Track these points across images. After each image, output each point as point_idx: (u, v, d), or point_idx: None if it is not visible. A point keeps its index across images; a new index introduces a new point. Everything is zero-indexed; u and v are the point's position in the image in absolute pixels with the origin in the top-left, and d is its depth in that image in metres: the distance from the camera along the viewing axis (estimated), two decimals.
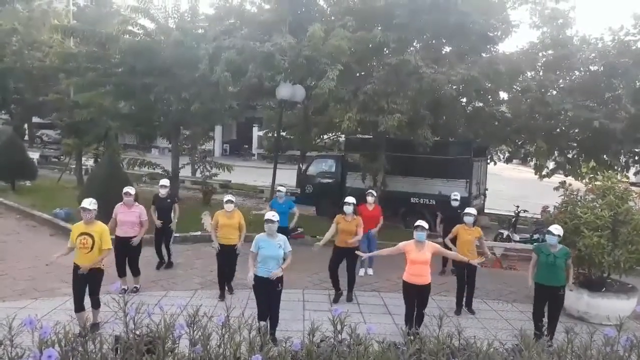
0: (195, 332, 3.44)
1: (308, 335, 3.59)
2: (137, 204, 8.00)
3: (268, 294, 6.18)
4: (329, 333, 3.63)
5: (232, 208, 7.94)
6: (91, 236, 6.11)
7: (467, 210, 8.11)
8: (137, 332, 3.41)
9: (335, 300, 8.06)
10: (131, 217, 7.86)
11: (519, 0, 13.13)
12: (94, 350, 3.28)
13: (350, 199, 8.28)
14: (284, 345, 3.43)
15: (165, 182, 9.52)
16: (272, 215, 6.25)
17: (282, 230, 7.33)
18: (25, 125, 28.05)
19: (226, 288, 8.09)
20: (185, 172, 17.46)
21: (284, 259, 6.20)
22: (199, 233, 11.56)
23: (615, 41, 12.24)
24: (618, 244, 7.64)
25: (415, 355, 3.55)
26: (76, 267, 6.15)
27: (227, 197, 8.12)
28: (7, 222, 12.74)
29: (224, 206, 7.97)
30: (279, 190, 10.03)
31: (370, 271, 9.82)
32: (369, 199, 9.51)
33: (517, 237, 12.02)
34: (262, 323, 4.09)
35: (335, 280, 8.19)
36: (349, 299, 8.17)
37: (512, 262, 10.96)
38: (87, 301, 6.24)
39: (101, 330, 3.26)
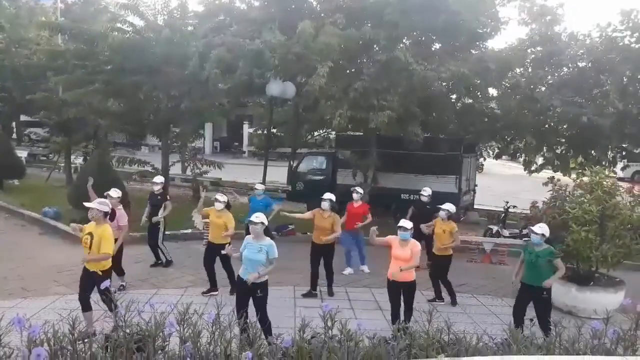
0: (185, 330, 3.44)
1: (299, 332, 3.60)
2: (119, 207, 7.67)
3: (250, 299, 5.84)
4: (319, 329, 3.64)
5: (221, 207, 7.87)
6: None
7: (444, 205, 8.27)
8: (127, 331, 3.41)
9: (306, 295, 8.07)
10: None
11: None
12: (83, 349, 3.27)
13: (327, 195, 8.35)
14: (274, 342, 3.44)
15: (158, 179, 9.47)
16: (254, 216, 5.96)
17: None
18: (13, 124, 27.70)
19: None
20: (175, 170, 17.37)
21: (269, 265, 5.82)
22: (189, 231, 11.51)
23: (603, 37, 12.36)
24: (606, 239, 7.74)
25: (405, 350, 3.57)
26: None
27: (217, 195, 8.08)
28: None
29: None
30: (255, 188, 10.00)
31: (365, 268, 9.75)
32: (354, 196, 9.63)
33: (506, 232, 12.10)
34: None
35: (314, 278, 8.20)
36: (330, 294, 8.25)
37: (502, 257, 11.04)
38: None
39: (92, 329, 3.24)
